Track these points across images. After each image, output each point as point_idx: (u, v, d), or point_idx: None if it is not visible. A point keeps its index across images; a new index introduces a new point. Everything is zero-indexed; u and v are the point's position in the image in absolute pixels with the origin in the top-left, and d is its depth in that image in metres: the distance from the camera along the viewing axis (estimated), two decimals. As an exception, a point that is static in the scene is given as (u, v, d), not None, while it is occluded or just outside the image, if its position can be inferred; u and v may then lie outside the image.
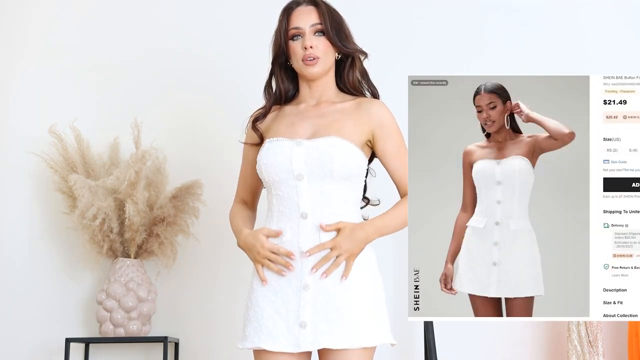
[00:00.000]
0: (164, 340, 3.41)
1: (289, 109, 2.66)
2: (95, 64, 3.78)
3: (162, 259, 3.55)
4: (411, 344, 3.53)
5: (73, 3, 3.84)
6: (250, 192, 2.71)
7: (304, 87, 2.66)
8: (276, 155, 2.52)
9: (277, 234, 2.50)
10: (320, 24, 2.60)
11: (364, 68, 2.69)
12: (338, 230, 2.48)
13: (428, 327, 3.34)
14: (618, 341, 3.51)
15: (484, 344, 3.56)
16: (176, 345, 3.57)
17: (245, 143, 2.69)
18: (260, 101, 2.74)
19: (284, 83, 2.67)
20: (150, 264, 3.61)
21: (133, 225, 3.45)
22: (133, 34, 3.80)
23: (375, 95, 2.69)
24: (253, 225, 2.67)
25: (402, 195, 2.62)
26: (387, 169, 2.63)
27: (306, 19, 2.60)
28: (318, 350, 2.50)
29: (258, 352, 2.51)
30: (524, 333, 3.57)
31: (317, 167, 2.50)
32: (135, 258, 3.52)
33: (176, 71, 3.77)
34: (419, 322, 3.42)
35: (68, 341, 3.41)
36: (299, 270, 2.48)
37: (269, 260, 2.49)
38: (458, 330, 3.53)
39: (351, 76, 2.66)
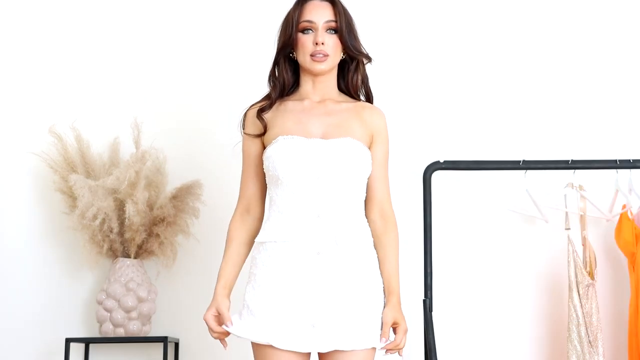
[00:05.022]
0: (164, 340, 3.40)
1: (291, 104, 2.61)
2: (95, 64, 3.78)
3: (162, 259, 3.55)
4: (411, 344, 3.52)
5: (73, 3, 3.83)
6: (259, 190, 2.61)
7: (306, 82, 2.61)
8: (293, 153, 2.48)
9: (227, 322, 2.50)
10: (335, 21, 2.56)
11: (366, 72, 2.66)
12: (394, 327, 2.50)
13: (428, 327, 3.33)
14: (618, 341, 3.51)
15: (484, 344, 3.56)
16: (176, 345, 3.57)
17: (248, 134, 2.61)
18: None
19: (288, 74, 2.63)
20: (150, 264, 3.61)
21: (133, 225, 3.44)
22: (133, 33, 3.80)
23: (370, 100, 2.67)
24: (243, 258, 2.60)
25: (377, 202, 2.57)
26: (369, 175, 2.58)
27: (321, 13, 2.56)
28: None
29: (261, 347, 2.47)
30: (524, 333, 3.57)
31: (336, 167, 2.48)
32: (135, 258, 3.52)
33: (176, 71, 3.77)
34: (418, 321, 3.42)
35: (68, 341, 3.41)
36: (313, 271, 2.45)
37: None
38: (458, 330, 3.53)
39: (355, 79, 2.63)
